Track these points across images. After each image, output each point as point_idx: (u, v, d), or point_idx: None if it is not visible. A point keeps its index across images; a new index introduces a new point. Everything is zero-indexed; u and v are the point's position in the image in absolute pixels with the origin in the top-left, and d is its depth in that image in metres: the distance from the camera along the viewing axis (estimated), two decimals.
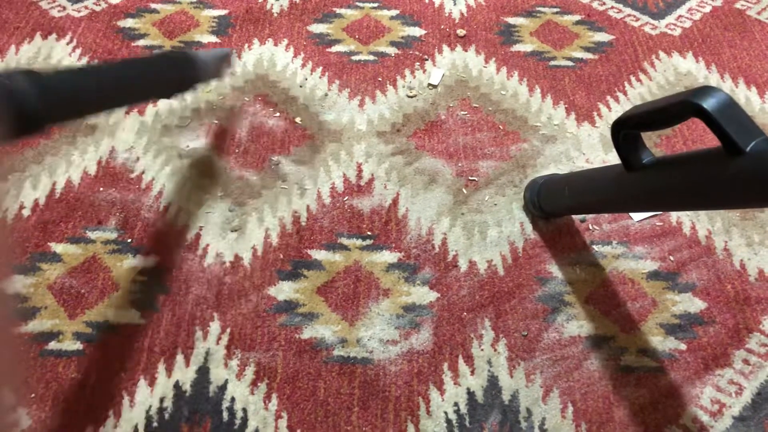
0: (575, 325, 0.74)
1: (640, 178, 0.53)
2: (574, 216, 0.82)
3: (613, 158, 0.88)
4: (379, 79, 0.98)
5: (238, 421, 0.67)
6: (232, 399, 0.69)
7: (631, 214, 0.82)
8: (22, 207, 0.82)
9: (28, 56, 1.00)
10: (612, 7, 1.10)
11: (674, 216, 0.82)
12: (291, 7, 1.09)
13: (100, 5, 1.09)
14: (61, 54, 1.00)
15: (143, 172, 0.86)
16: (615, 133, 0.54)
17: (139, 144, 0.89)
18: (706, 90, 0.40)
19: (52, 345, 0.72)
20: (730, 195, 0.43)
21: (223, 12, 1.08)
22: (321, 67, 1.00)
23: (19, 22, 1.05)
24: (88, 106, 0.57)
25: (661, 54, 1.02)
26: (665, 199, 0.54)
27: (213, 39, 1.04)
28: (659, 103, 0.47)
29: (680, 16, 1.08)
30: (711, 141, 0.89)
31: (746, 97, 0.95)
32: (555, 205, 0.77)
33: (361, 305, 0.75)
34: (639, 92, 0.96)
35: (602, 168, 0.66)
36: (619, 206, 0.69)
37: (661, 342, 0.73)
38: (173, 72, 0.73)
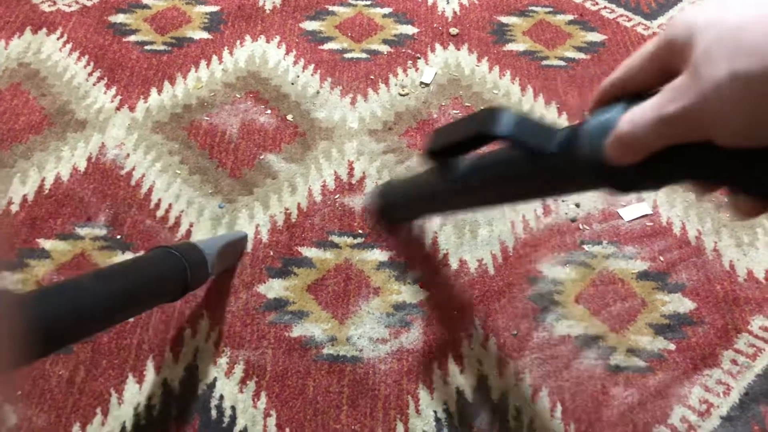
0: (565, 324, 0.74)
1: (458, 187, 0.54)
2: (564, 216, 0.82)
3: None
4: (372, 77, 0.98)
5: (226, 419, 0.67)
6: (221, 397, 0.69)
7: (621, 213, 0.82)
8: (10, 203, 0.82)
9: (18, 51, 0.99)
10: (605, 7, 1.10)
11: (665, 216, 0.82)
12: (283, 4, 1.09)
13: (91, 0, 1.08)
14: (51, 49, 1.00)
15: (133, 169, 0.86)
16: (429, 159, 0.54)
17: (130, 140, 0.89)
18: (494, 114, 0.40)
19: None
20: (547, 189, 0.45)
21: (215, 8, 1.08)
22: (313, 65, 1.00)
23: (9, 17, 1.04)
24: (74, 333, 0.49)
25: None
26: (484, 201, 0.55)
27: (205, 35, 1.03)
28: (455, 136, 0.48)
29: (672, 16, 1.09)
30: None
31: None
32: (390, 212, 0.77)
33: (351, 303, 0.75)
34: None
35: (424, 174, 0.65)
36: (445, 210, 0.70)
37: (650, 342, 0.73)
38: (177, 272, 0.60)
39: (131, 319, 0.73)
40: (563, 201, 0.84)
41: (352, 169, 0.87)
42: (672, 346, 0.73)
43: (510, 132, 0.40)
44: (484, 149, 0.46)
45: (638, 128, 0.29)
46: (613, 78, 0.35)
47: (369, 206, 0.83)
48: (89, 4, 1.07)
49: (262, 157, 0.88)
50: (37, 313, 0.44)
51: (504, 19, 1.08)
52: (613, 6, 1.10)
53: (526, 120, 0.40)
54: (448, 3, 1.10)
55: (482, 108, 0.46)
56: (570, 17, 1.09)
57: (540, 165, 0.41)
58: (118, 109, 0.93)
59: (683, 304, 0.76)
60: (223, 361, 0.71)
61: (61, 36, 1.02)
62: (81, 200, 0.82)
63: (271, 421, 0.67)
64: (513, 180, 0.47)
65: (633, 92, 0.34)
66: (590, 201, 0.84)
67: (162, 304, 0.67)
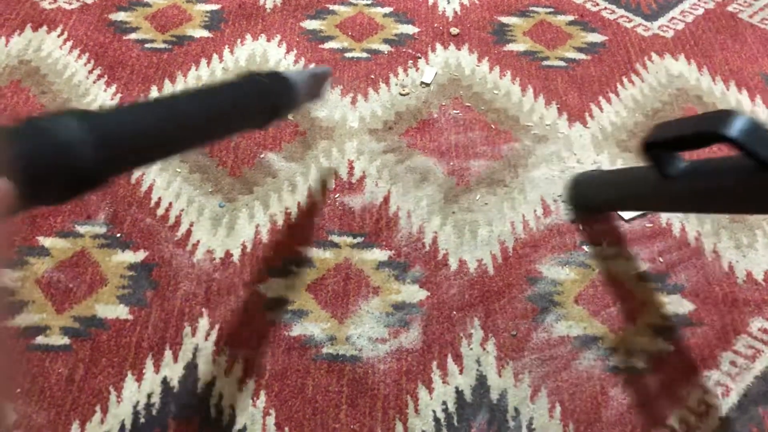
0: (564, 325, 0.74)
1: (675, 186, 0.54)
2: (564, 217, 0.82)
3: (603, 159, 0.88)
4: (372, 76, 0.98)
5: (225, 418, 0.67)
6: (220, 395, 0.69)
7: (621, 214, 0.82)
8: None
9: (18, 48, 0.99)
10: (605, 8, 1.10)
11: (664, 217, 0.83)
12: (284, 3, 1.09)
13: None
14: (51, 46, 1.00)
15: None
16: (644, 151, 0.55)
17: None
18: (728, 116, 0.40)
19: (39, 339, 0.71)
20: (762, 205, 0.44)
21: (216, 7, 1.08)
22: (313, 64, 1.00)
23: (9, 14, 1.04)
24: (156, 149, 0.44)
25: (654, 56, 1.02)
26: (699, 206, 0.56)
27: (205, 34, 1.03)
28: (685, 129, 0.47)
29: (673, 18, 1.09)
30: None
31: (737, 100, 0.96)
32: (589, 199, 0.80)
33: (351, 303, 0.75)
34: (631, 93, 0.97)
35: (639, 168, 0.66)
36: (653, 207, 0.72)
37: (649, 343, 0.73)
38: (263, 97, 0.58)
39: (131, 317, 0.73)
40: (564, 201, 0.84)
41: (352, 168, 0.87)
42: (671, 347, 0.73)
43: (741, 137, 0.39)
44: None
45: None
46: None
47: (564, 193, 0.85)
48: (90, 1, 1.07)
49: (262, 156, 0.87)
50: (125, 125, 0.40)
51: (504, 20, 1.08)
52: (614, 7, 1.10)
53: (762, 128, 0.39)
54: (448, 3, 1.10)
55: (719, 109, 0.46)
56: (570, 18, 1.09)
57: (760, 179, 0.40)
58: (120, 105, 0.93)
59: (682, 306, 0.76)
60: (222, 359, 0.71)
61: (62, 33, 1.02)
62: (81, 198, 0.82)
63: (270, 420, 0.67)
64: (733, 189, 0.46)
65: None
66: None
67: (251, 129, 0.63)
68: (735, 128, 0.39)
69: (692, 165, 0.52)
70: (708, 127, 0.42)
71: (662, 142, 0.51)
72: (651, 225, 0.82)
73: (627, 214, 0.82)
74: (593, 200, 0.81)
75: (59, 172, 0.33)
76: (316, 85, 0.75)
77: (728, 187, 0.46)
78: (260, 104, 0.58)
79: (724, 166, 0.47)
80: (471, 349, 0.72)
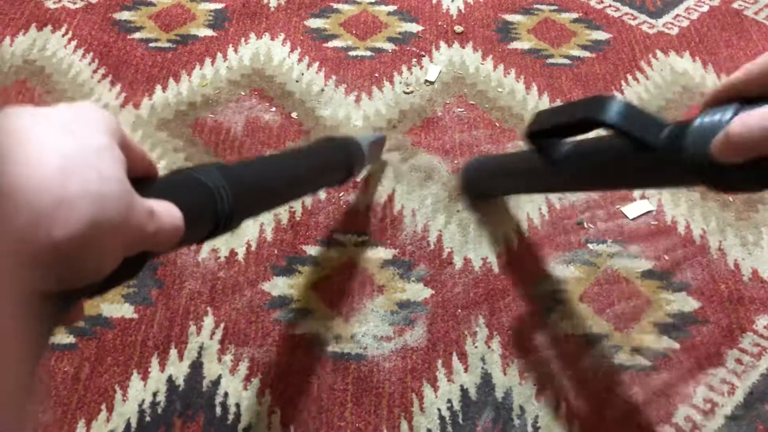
0: (569, 323, 0.74)
1: (561, 169, 0.56)
2: (568, 215, 0.82)
3: None
4: (376, 75, 0.98)
5: (231, 416, 0.67)
6: (226, 394, 0.69)
7: (625, 211, 0.82)
8: None
9: (23, 48, 0.99)
10: (610, 6, 1.10)
11: (669, 215, 0.82)
12: (288, 2, 1.09)
13: None
14: (56, 46, 1.00)
15: None
16: (528, 140, 0.56)
17: (135, 137, 0.89)
18: (603, 101, 0.42)
19: None
20: (645, 180, 0.48)
21: (219, 5, 1.08)
22: (318, 63, 1.00)
23: (14, 14, 1.05)
24: (271, 200, 0.51)
25: (658, 53, 1.02)
26: (583, 185, 0.60)
27: (209, 32, 1.03)
28: (562, 118, 0.50)
29: (678, 15, 1.08)
30: None
31: None
32: (481, 186, 0.82)
33: (356, 301, 0.75)
34: (635, 91, 0.96)
35: (521, 153, 0.68)
36: (540, 190, 0.75)
37: (654, 341, 0.73)
38: (342, 159, 0.66)
39: (136, 315, 0.73)
40: (566, 199, 0.84)
41: None
42: (676, 345, 0.73)
43: (618, 121, 0.41)
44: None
45: (750, 131, 0.31)
46: (731, 80, 0.36)
47: (457, 181, 0.86)
48: (94, 1, 1.08)
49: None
50: (251, 178, 0.45)
51: (509, 17, 1.08)
52: (618, 4, 1.10)
53: (635, 110, 0.41)
54: (452, 1, 1.10)
55: (593, 95, 0.48)
56: (575, 15, 1.08)
57: (643, 156, 0.42)
58: (122, 106, 0.93)
59: (688, 303, 0.76)
60: (227, 358, 0.71)
61: (66, 33, 1.02)
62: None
63: (276, 419, 0.67)
64: (613, 168, 0.49)
65: (748, 96, 0.35)
66: (594, 199, 0.84)
67: (332, 186, 0.73)
68: (612, 114, 0.41)
69: (574, 148, 0.54)
70: (586, 113, 0.44)
71: (544, 131, 0.53)
72: (656, 223, 0.82)
73: (631, 212, 0.82)
74: (484, 187, 0.82)
75: (209, 215, 0.37)
76: (376, 150, 0.82)
77: (610, 167, 0.49)
78: (342, 164, 0.66)
79: (603, 147, 0.49)
80: (476, 347, 0.72)
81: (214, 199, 0.37)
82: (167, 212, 0.29)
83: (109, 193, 0.23)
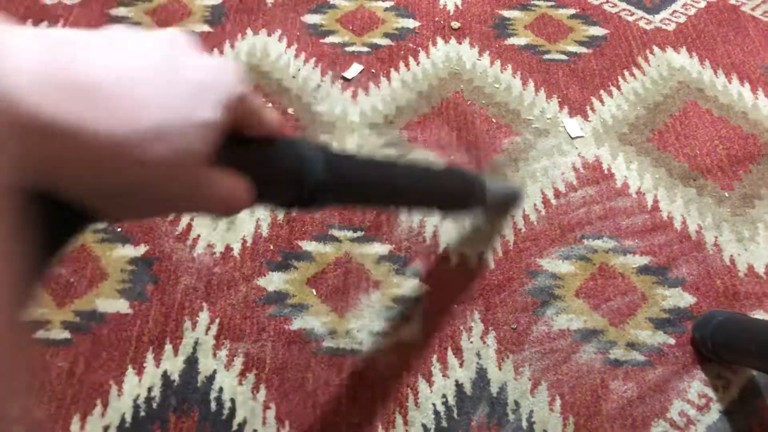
0: (564, 318, 0.74)
1: None
2: (564, 211, 0.82)
3: (605, 152, 0.88)
4: (373, 70, 0.98)
5: (226, 412, 0.67)
6: (221, 389, 0.69)
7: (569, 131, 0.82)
8: None
9: None
10: (607, 2, 1.10)
11: (665, 211, 0.82)
12: None
13: None
14: None
15: None
16: None
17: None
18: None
19: (40, 334, 0.71)
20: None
21: (216, 1, 1.08)
22: (314, 58, 0.99)
23: (10, 9, 1.04)
24: (365, 196, 0.49)
25: (655, 49, 1.02)
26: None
27: (206, 28, 1.03)
28: None
29: (675, 11, 1.08)
30: (706, 133, 0.89)
31: (739, 92, 0.95)
32: (736, 357, 0.69)
33: (351, 297, 0.75)
34: (632, 87, 0.96)
35: None
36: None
37: (650, 336, 0.73)
38: (460, 189, 0.61)
39: (132, 311, 0.73)
40: (563, 195, 0.84)
41: None
42: (672, 341, 0.73)
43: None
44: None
45: None
46: None
47: (695, 331, 0.77)
48: None
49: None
50: (351, 163, 0.44)
51: (506, 13, 1.08)
52: (615, 0, 1.10)
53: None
54: None
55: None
56: (572, 11, 1.08)
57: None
58: None
59: (683, 299, 0.76)
60: (222, 353, 0.71)
61: (63, 29, 1.02)
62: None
63: (271, 414, 0.67)
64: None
65: None
66: (591, 195, 0.84)
67: (436, 211, 0.64)
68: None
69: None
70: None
71: None
72: (652, 219, 0.82)
73: (573, 131, 0.82)
74: (737, 356, 0.69)
75: (293, 179, 0.36)
76: (508, 202, 0.78)
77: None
78: (457, 193, 0.61)
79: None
80: (471, 342, 0.72)
81: (302, 165, 0.37)
82: (229, 191, 0.28)
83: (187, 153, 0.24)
